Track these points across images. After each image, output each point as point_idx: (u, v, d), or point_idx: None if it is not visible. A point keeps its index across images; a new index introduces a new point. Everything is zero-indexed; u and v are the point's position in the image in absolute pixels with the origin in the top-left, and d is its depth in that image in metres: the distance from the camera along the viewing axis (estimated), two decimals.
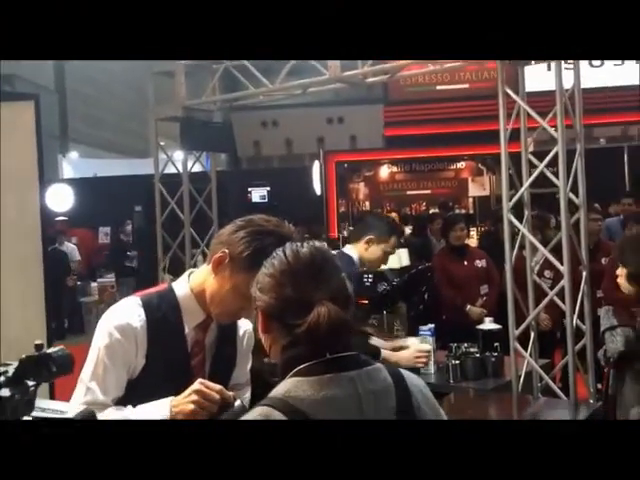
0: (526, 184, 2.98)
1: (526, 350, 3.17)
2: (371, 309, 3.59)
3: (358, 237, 3.16)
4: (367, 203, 11.28)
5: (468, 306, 4.57)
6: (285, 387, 1.07)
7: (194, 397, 1.37)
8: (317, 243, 1.16)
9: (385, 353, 2.89)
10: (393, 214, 9.81)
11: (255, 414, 1.05)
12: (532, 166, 3.07)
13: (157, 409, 1.41)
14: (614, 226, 5.75)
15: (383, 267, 3.73)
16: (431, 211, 9.22)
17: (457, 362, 3.21)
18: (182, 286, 1.57)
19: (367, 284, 3.60)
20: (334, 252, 3.03)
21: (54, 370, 0.91)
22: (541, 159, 2.97)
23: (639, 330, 2.42)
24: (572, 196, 2.90)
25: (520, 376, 3.13)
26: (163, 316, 1.52)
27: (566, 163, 2.92)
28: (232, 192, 9.33)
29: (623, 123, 10.83)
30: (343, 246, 3.54)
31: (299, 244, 1.14)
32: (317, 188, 10.09)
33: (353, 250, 3.15)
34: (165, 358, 1.50)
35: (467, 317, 4.41)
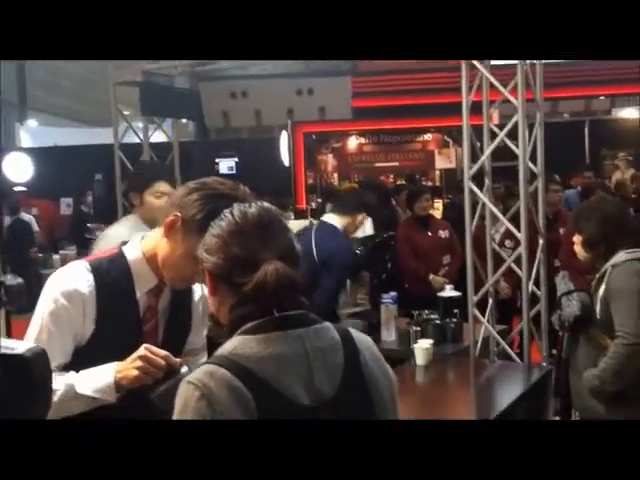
0: (487, 152, 3.02)
1: (484, 316, 3.25)
2: None
3: (351, 212, 3.17)
4: (335, 175, 11.26)
5: (431, 275, 4.64)
6: (232, 345, 1.07)
7: (138, 363, 1.36)
8: (265, 204, 1.16)
9: None
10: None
11: (200, 373, 1.05)
12: (495, 137, 3.10)
13: (101, 375, 1.40)
14: (573, 197, 5.88)
15: None
16: (398, 182, 9.26)
17: (418, 328, 3.29)
18: (133, 250, 1.54)
19: None
20: (315, 222, 3.11)
21: (4, 299, 0.90)
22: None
23: (594, 295, 2.50)
24: (531, 165, 2.95)
25: (477, 341, 3.21)
26: (113, 281, 1.49)
27: (527, 134, 2.97)
28: (199, 163, 9.21)
29: (585, 97, 10.96)
30: (311, 216, 3.58)
31: (247, 204, 1.14)
32: (285, 159, 10.04)
33: (338, 221, 3.16)
34: (116, 324, 1.47)
35: (429, 286, 4.48)
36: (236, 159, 10.38)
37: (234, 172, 10.06)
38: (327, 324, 1.15)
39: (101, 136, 9.64)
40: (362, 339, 1.18)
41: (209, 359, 1.09)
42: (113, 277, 1.49)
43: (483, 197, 3.03)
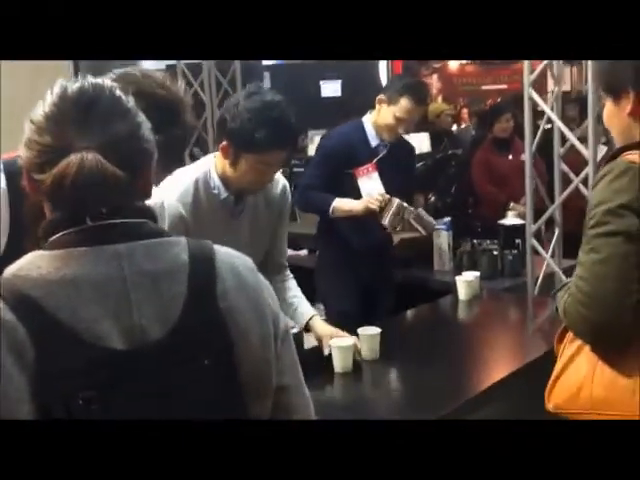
0: None
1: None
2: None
3: (375, 102, 2.75)
4: (439, 98, 10.61)
5: (511, 203, 4.20)
6: (18, 264, 0.82)
7: None
8: (100, 80, 0.87)
9: (337, 202, 2.67)
10: (464, 110, 9.22)
11: None
12: None
13: None
14: None
15: None
16: None
17: (465, 257, 2.96)
18: None
19: None
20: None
21: None
22: None
23: None
24: None
25: (538, 277, 2.82)
26: None
27: None
28: (303, 85, 8.99)
29: None
30: None
31: (74, 79, 0.86)
32: (383, 80, 9.54)
33: (368, 116, 2.78)
34: None
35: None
36: (340, 80, 10.04)
37: (339, 95, 9.79)
38: (174, 239, 0.87)
39: None
40: (228, 260, 0.88)
41: None
42: None
43: (545, 107, 2.57)
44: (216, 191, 1.93)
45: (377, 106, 2.73)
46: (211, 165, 1.95)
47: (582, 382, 1.28)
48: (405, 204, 2.59)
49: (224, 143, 1.87)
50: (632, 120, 1.27)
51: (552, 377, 1.36)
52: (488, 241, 3.14)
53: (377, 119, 2.73)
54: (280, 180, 2.08)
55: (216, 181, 1.93)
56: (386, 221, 2.56)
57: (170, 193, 1.85)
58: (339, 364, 1.97)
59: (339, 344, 2.00)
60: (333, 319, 2.40)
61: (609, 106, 1.32)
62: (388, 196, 2.59)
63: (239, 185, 1.92)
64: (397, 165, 2.79)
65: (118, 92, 0.87)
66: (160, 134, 1.20)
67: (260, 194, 2.00)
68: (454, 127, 7.54)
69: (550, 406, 1.36)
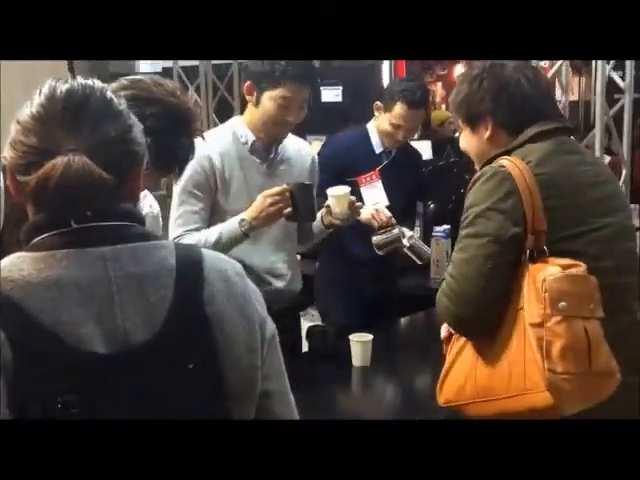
0: None
1: None
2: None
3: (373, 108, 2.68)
4: (443, 106, 10.57)
5: None
6: (1, 265, 0.80)
7: None
8: (90, 81, 0.85)
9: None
10: None
11: None
12: None
13: None
14: None
15: None
16: None
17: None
18: None
19: None
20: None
21: None
22: None
23: None
24: None
25: None
26: None
27: None
28: None
29: None
30: None
31: (63, 80, 0.85)
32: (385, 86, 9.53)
33: (373, 123, 2.68)
34: None
35: None
36: (340, 87, 10.04)
37: (340, 100, 9.78)
38: (161, 243, 0.85)
39: None
40: (217, 265, 0.87)
41: None
42: None
43: None
44: (243, 139, 2.09)
45: (375, 113, 2.64)
46: (237, 120, 2.16)
47: (467, 374, 1.36)
48: (404, 237, 2.41)
49: (248, 82, 2.06)
50: (488, 145, 1.44)
51: (442, 374, 1.42)
52: None
53: (377, 124, 2.66)
54: (310, 153, 2.28)
55: (244, 129, 2.09)
56: (376, 241, 2.41)
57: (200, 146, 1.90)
58: (336, 209, 2.11)
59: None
60: (335, 329, 2.31)
61: (467, 134, 1.48)
62: (394, 221, 2.44)
63: (265, 128, 2.06)
64: (403, 173, 2.69)
65: (109, 94, 0.86)
66: (169, 141, 1.20)
67: (293, 161, 2.17)
68: (456, 134, 7.49)
69: (441, 401, 1.42)
